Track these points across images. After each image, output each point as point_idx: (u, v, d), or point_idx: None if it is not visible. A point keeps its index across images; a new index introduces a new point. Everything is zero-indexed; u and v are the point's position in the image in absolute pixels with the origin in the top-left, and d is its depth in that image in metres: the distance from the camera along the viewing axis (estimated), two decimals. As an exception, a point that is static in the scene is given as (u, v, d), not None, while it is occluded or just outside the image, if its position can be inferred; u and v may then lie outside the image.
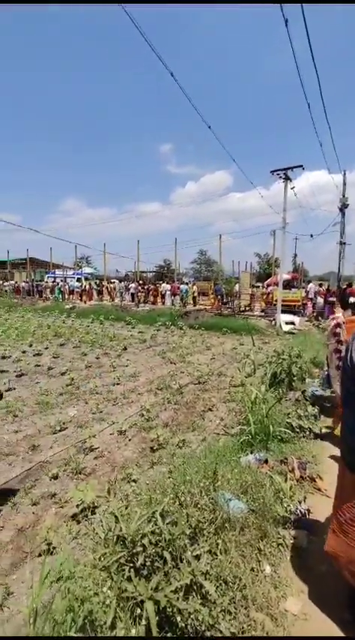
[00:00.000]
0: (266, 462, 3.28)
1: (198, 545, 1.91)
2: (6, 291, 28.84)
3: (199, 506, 2.16)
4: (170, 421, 5.07)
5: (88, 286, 25.89)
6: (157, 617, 1.46)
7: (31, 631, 1.38)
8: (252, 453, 3.52)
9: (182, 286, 22.46)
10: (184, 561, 1.75)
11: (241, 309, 19.12)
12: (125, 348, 10.11)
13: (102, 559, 1.62)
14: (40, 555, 2.55)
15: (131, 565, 1.67)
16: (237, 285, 20.07)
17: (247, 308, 19.79)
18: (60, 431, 4.67)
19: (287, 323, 14.64)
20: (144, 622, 1.41)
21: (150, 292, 23.98)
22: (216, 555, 1.93)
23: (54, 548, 2.57)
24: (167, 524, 1.86)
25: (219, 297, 20.01)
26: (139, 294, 22.84)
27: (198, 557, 1.82)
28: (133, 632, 1.35)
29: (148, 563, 1.64)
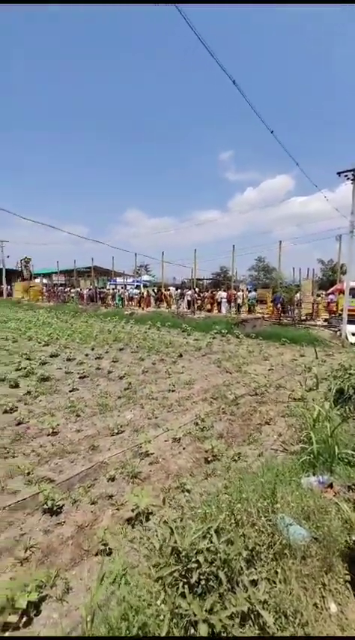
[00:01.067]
0: (330, 486, 3.02)
1: (255, 569, 1.81)
2: (72, 297, 31.05)
3: (256, 527, 2.06)
4: (225, 432, 4.95)
5: (145, 293, 26.78)
6: (211, 641, 1.40)
7: (87, 630, 1.41)
8: (314, 474, 3.27)
9: (251, 293, 22.18)
10: (240, 585, 1.67)
11: (302, 318, 18.16)
12: (181, 355, 10.20)
13: (157, 569, 1.61)
14: (96, 554, 2.63)
15: (185, 580, 1.64)
16: (298, 294, 19.15)
17: (309, 317, 18.73)
18: (117, 433, 4.83)
19: (354, 334, 13.54)
20: (197, 644, 1.36)
21: (207, 300, 24.00)
22: (275, 584, 1.81)
23: (110, 549, 2.64)
24: (222, 542, 1.80)
25: (278, 305, 19.28)
26: (196, 301, 22.97)
27: (255, 583, 1.72)
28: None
29: (203, 582, 1.59)
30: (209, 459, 4.10)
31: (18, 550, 2.69)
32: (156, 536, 1.90)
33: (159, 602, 1.44)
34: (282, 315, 18.60)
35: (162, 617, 1.39)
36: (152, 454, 4.24)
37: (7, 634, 2.04)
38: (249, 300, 21.84)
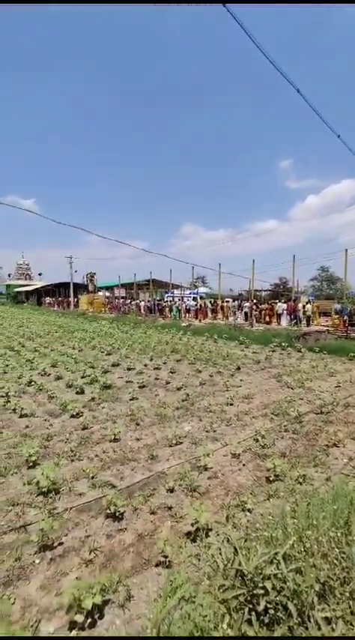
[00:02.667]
0: None
1: (329, 606, 1.66)
2: (132, 309, 32.40)
3: (328, 559, 1.88)
4: (287, 451, 4.68)
5: (202, 305, 26.88)
6: None
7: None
8: None
9: (335, 305, 21.02)
10: (312, 621, 1.53)
11: (372, 331, 16.63)
12: (238, 368, 9.97)
13: (221, 591, 1.55)
14: (157, 566, 2.64)
15: (251, 607, 1.55)
16: (367, 305, 17.64)
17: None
18: (176, 445, 4.85)
19: None
20: None
21: (265, 312, 23.29)
22: (352, 625, 1.63)
23: (169, 562, 2.62)
24: (291, 570, 1.68)
25: (344, 317, 17.93)
26: (253, 313, 22.42)
27: (328, 621, 1.57)
28: None
29: (271, 611, 1.49)
30: (271, 479, 3.90)
31: (83, 551, 2.82)
32: (220, 554, 1.84)
33: (224, 626, 1.39)
34: (350, 327, 17.24)
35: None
36: (211, 468, 4.17)
37: (73, 633, 2.13)
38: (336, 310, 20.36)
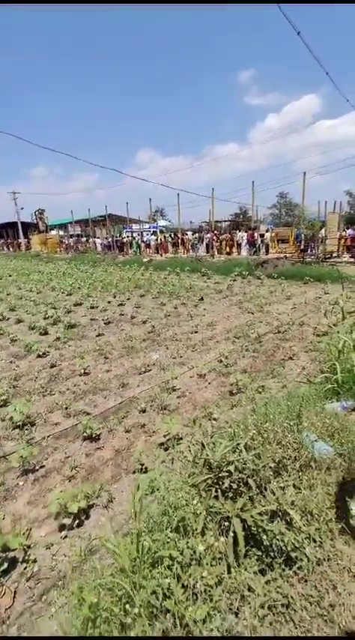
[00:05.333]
0: (354, 410, 3.10)
1: (282, 479, 1.95)
2: (90, 247, 30.87)
3: (283, 444, 2.18)
4: (248, 368, 5.08)
5: (163, 239, 26.18)
6: (243, 534, 1.57)
7: (135, 525, 1.61)
8: (338, 401, 3.36)
9: (296, 231, 20.95)
10: (268, 490, 1.81)
11: (326, 255, 17.38)
12: (202, 299, 10.19)
13: (192, 477, 1.77)
14: (134, 472, 2.92)
15: (217, 487, 1.79)
16: (322, 230, 18.10)
17: (334, 254, 17.90)
18: (145, 372, 5.06)
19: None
20: (231, 534, 1.53)
21: (226, 242, 23.25)
22: (301, 490, 1.95)
23: (146, 468, 2.91)
24: (251, 455, 1.93)
25: (299, 243, 18.43)
26: (214, 244, 22.32)
27: (282, 489, 1.87)
28: (222, 540, 1.48)
29: (234, 486, 1.73)
30: (234, 392, 4.27)
31: (64, 469, 3.02)
32: (190, 451, 2.06)
33: (194, 502, 1.61)
34: (305, 253, 17.85)
35: (198, 512, 1.56)
36: (179, 389, 4.46)
37: (63, 534, 2.37)
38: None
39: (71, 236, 35.92)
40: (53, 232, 39.14)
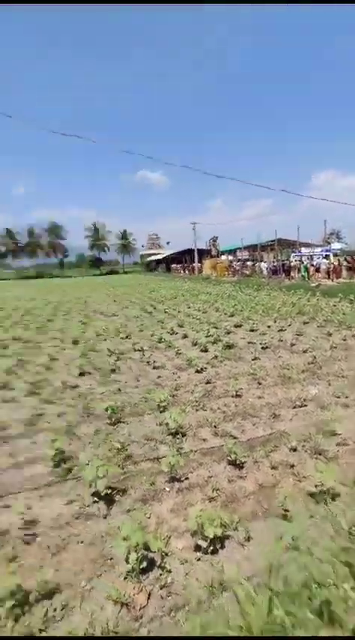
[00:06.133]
0: None
1: None
2: (254, 271, 31.38)
3: None
4: None
5: (336, 263, 23.86)
6: None
7: (270, 582, 1.43)
8: None
9: None
10: None
11: None
12: (381, 332, 8.59)
13: (346, 552, 1.43)
14: (276, 517, 2.64)
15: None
16: None
17: None
18: (300, 407, 4.61)
19: None
20: None
21: None
22: None
23: (290, 517, 2.59)
24: None
25: None
26: None
27: None
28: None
29: None
30: None
31: (207, 489, 3.05)
32: (345, 517, 1.69)
33: (346, 587, 1.28)
34: None
35: (350, 604, 1.23)
36: (340, 434, 3.83)
37: (198, 554, 2.37)
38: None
39: (238, 260, 37.56)
40: (223, 257, 42.05)
